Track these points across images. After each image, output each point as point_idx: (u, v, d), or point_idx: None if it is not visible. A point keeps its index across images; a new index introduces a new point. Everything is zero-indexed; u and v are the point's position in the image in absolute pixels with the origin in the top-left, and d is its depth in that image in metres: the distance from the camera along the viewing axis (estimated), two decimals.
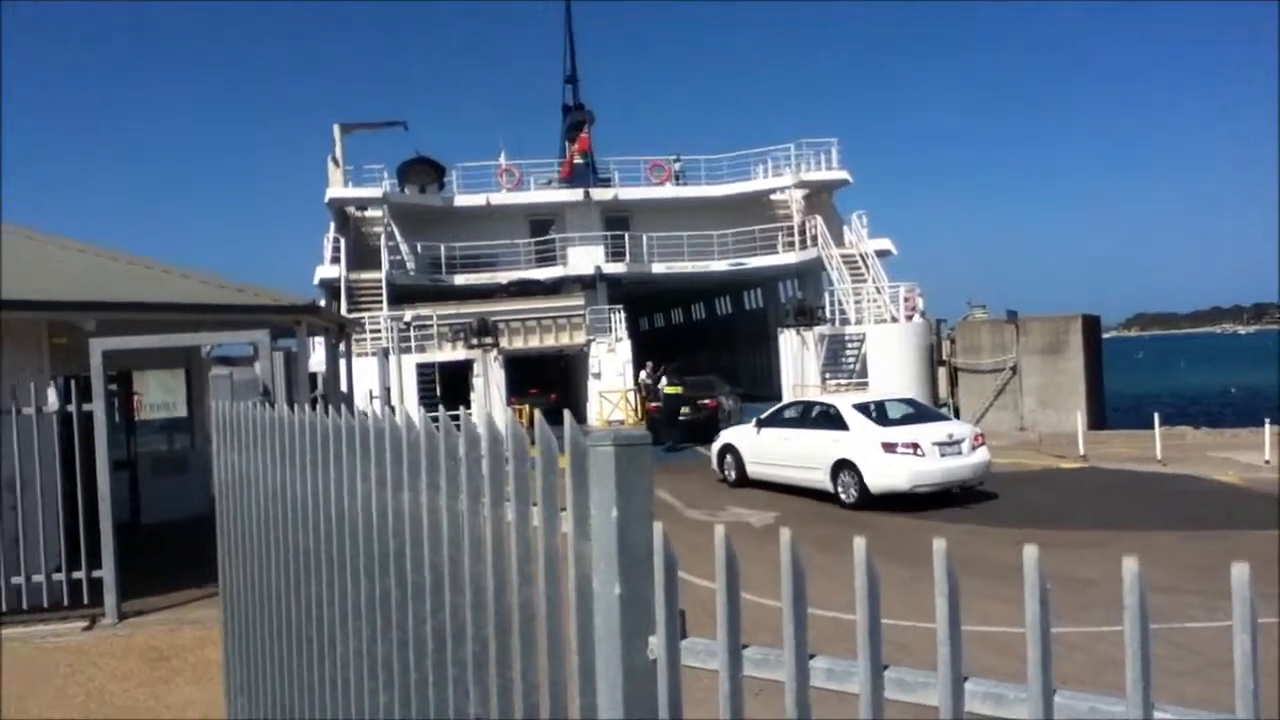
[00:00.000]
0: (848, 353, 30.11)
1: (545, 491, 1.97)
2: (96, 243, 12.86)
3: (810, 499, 16.19)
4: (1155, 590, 1.24)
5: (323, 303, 20.71)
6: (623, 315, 32.87)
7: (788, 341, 30.83)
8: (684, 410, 25.57)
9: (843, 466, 15.75)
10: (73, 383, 9.50)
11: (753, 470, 17.79)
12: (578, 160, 38.09)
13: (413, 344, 29.83)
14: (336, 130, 35.22)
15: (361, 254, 34.77)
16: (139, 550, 11.42)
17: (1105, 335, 35.89)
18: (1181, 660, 7.22)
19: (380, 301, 32.15)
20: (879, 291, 31.07)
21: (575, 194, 36.63)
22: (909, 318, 30.37)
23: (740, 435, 18.56)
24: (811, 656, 1.46)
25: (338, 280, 32.37)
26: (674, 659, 1.64)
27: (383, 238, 35.01)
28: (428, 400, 27.23)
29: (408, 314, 30.48)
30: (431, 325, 30.86)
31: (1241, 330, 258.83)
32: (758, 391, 33.16)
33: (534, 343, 31.55)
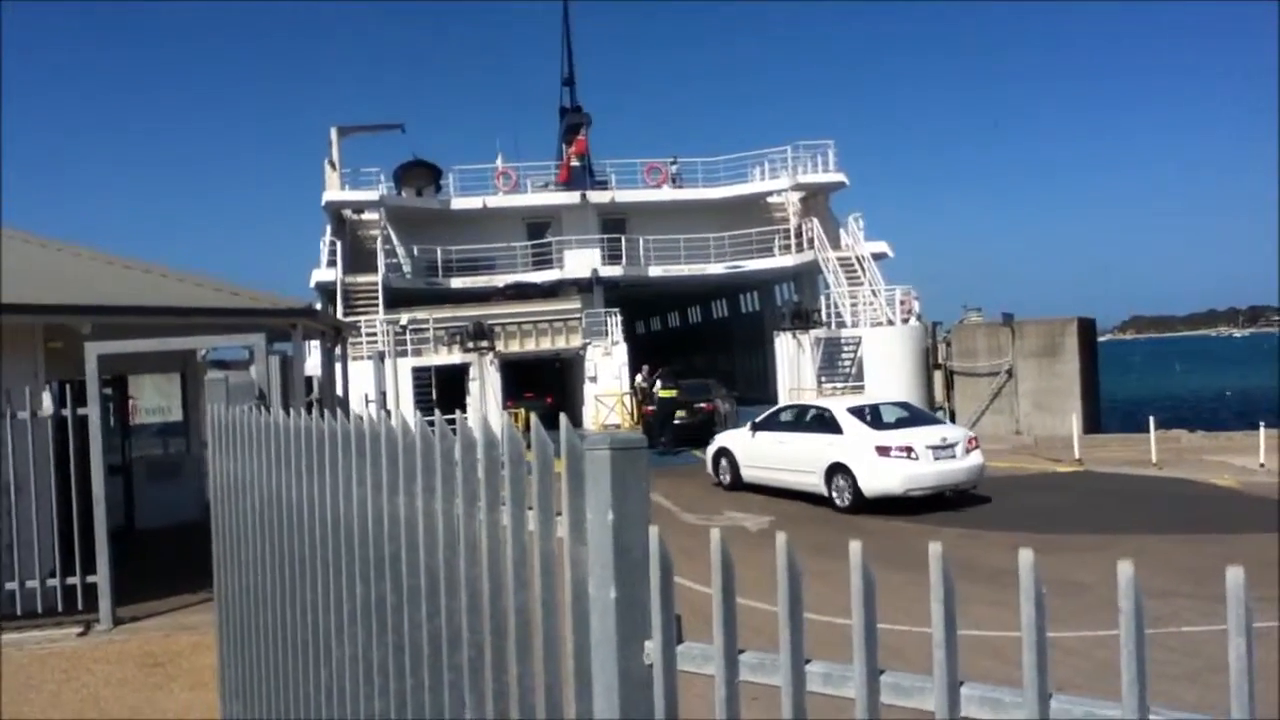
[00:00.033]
0: (844, 356, 30.14)
1: (541, 495, 1.97)
2: (92, 245, 12.86)
3: (805, 502, 16.19)
4: (1150, 594, 1.24)
5: (319, 306, 20.67)
6: (619, 318, 32.89)
7: (784, 344, 30.83)
8: (680, 414, 25.55)
9: (837, 470, 15.76)
10: (68, 387, 9.49)
11: (747, 474, 17.79)
12: (575, 163, 38.02)
13: (409, 347, 29.79)
14: (334, 133, 35.15)
15: (358, 257, 34.73)
16: (134, 555, 11.41)
17: (1101, 338, 35.89)
18: (1177, 664, 7.22)
19: (376, 305, 32.12)
20: (875, 295, 31.07)
21: (572, 197, 36.60)
22: (905, 321, 30.41)
23: (735, 439, 18.56)
24: (807, 661, 1.46)
25: (334, 283, 32.34)
26: (670, 663, 1.64)
27: (379, 241, 34.96)
28: (424, 404, 27.17)
29: (404, 317, 30.47)
30: (428, 328, 30.83)
31: (1237, 333, 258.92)
32: (754, 395, 33.18)
33: (530, 346, 31.55)
